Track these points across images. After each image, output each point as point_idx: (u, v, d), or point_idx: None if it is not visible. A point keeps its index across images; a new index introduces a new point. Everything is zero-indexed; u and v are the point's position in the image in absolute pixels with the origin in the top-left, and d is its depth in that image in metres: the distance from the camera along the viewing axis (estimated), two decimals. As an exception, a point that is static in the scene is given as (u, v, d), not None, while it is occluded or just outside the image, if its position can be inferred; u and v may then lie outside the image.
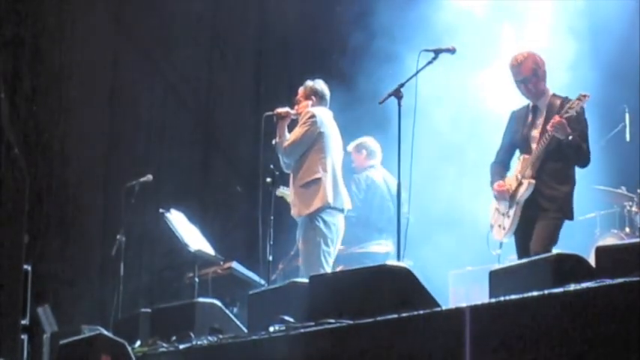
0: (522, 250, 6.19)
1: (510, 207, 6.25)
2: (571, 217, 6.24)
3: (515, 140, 6.39)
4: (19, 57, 10.10)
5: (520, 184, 6.20)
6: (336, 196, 7.13)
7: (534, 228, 6.14)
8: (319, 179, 7.09)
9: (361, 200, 8.60)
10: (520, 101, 6.48)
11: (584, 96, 5.97)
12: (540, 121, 6.22)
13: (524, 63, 6.20)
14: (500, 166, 6.48)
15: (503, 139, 6.51)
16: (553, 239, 6.11)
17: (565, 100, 6.11)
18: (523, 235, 6.22)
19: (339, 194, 7.17)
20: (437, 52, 6.32)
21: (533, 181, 6.14)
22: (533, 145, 6.20)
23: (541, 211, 6.15)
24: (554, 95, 6.26)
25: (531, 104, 6.32)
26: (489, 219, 6.50)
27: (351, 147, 8.82)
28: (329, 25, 10.19)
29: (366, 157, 8.89)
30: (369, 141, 8.92)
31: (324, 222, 7.07)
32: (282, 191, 7.94)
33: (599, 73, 8.49)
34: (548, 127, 6.01)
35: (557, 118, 5.96)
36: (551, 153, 6.11)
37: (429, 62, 6.29)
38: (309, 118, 7.18)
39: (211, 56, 10.84)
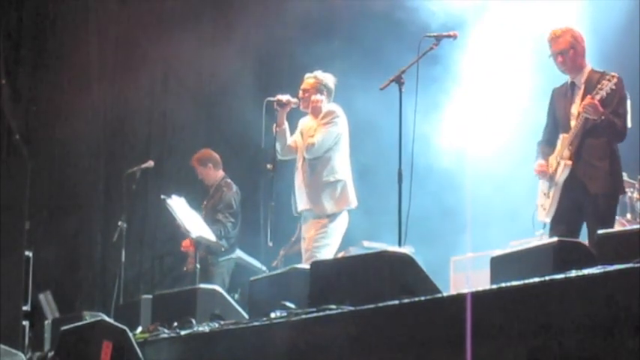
0: (566, 232, 5.97)
1: (550, 188, 6.24)
2: (621, 191, 6.29)
3: (558, 117, 6.38)
4: (20, 42, 10.10)
5: (558, 164, 6.20)
6: (354, 198, 7.20)
7: (583, 213, 6.09)
8: (343, 181, 7.13)
9: (236, 215, 8.75)
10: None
11: (613, 76, 6.00)
12: (578, 97, 6.22)
13: (562, 36, 6.24)
14: (547, 145, 6.43)
15: (547, 117, 6.50)
16: (607, 224, 5.93)
17: (603, 75, 6.11)
18: (566, 219, 6.14)
19: (354, 195, 7.22)
20: (438, 38, 6.32)
21: (569, 163, 6.12)
22: (572, 122, 6.19)
23: (587, 196, 6.08)
24: (592, 70, 6.27)
25: (570, 80, 6.33)
26: (536, 200, 6.45)
27: (194, 162, 8.94)
28: (332, 13, 10.17)
29: (214, 168, 8.93)
30: (210, 153, 8.99)
31: (340, 219, 7.13)
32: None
33: (600, 59, 8.47)
34: (580, 109, 6.03)
35: (588, 99, 5.98)
36: (589, 131, 6.09)
37: (431, 48, 6.29)
38: (335, 117, 7.18)
39: (214, 41, 10.81)
